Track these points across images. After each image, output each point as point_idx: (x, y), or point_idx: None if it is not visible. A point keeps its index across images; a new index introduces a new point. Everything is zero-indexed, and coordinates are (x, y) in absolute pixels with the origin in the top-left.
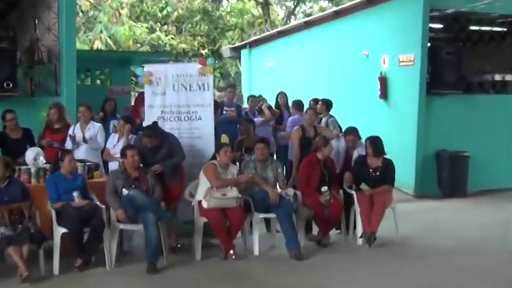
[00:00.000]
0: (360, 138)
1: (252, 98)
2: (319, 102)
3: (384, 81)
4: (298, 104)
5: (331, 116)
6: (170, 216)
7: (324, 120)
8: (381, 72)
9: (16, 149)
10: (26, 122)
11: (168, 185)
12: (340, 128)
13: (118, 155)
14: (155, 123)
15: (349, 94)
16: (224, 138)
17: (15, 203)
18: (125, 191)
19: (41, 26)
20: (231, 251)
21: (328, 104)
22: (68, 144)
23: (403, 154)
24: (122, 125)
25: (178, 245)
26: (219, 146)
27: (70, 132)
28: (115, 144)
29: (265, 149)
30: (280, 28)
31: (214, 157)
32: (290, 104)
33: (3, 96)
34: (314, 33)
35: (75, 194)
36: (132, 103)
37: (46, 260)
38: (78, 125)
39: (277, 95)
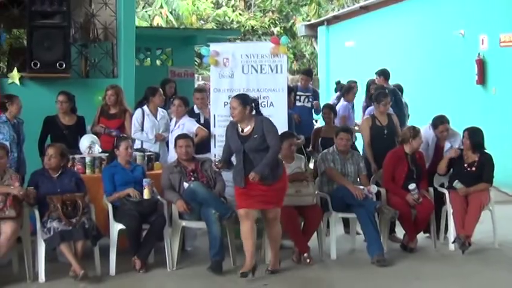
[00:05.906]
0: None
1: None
2: (376, 77)
3: (482, 64)
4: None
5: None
6: (235, 213)
7: None
8: (479, 54)
9: (66, 136)
10: (79, 107)
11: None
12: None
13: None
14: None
15: (440, 79)
16: None
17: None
18: (185, 184)
19: (97, 0)
20: (305, 254)
21: (385, 74)
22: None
23: (503, 149)
24: (179, 104)
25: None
26: (282, 135)
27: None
28: (172, 129)
29: (350, 140)
30: (362, 3)
31: None
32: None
33: (55, 77)
34: (402, 8)
35: (146, 182)
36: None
37: (101, 258)
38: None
39: (368, 83)
